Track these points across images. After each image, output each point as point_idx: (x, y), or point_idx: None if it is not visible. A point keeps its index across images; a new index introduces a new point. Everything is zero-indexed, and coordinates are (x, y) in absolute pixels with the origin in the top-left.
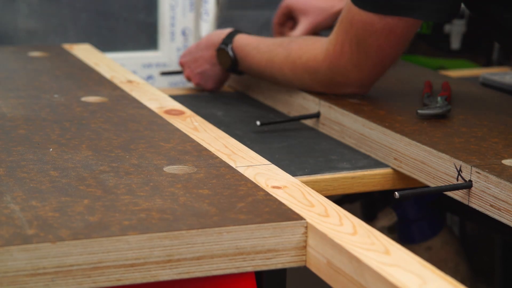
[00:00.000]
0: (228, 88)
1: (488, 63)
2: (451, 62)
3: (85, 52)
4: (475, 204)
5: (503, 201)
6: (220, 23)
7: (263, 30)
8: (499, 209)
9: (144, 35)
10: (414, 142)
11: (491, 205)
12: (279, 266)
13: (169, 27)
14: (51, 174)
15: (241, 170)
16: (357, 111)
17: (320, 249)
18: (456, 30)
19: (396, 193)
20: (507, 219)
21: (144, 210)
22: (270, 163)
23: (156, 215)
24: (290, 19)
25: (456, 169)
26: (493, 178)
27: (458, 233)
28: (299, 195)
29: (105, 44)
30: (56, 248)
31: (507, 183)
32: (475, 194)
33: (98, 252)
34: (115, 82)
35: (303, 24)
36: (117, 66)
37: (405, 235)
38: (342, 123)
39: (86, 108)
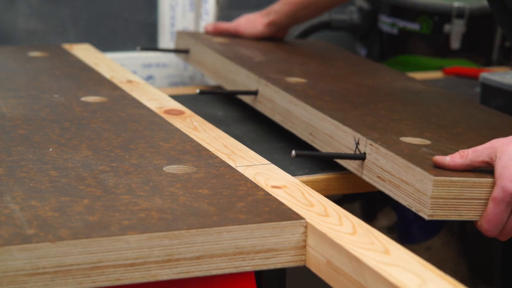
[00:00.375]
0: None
1: (488, 63)
2: (451, 62)
3: (85, 52)
4: (366, 176)
5: (387, 172)
6: None
7: None
8: (383, 180)
9: (144, 35)
10: (326, 117)
11: (378, 177)
12: (279, 266)
13: (169, 27)
14: (51, 174)
15: (240, 170)
16: (288, 89)
17: (320, 248)
18: (456, 30)
19: (293, 151)
20: (389, 190)
21: (143, 209)
22: (269, 162)
23: (155, 214)
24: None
25: (355, 141)
26: (382, 150)
27: (458, 233)
28: (299, 194)
29: (105, 44)
30: (55, 247)
31: (392, 154)
32: (367, 166)
33: (98, 251)
34: (115, 82)
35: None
36: (117, 66)
37: (405, 235)
38: (274, 100)
39: (86, 108)
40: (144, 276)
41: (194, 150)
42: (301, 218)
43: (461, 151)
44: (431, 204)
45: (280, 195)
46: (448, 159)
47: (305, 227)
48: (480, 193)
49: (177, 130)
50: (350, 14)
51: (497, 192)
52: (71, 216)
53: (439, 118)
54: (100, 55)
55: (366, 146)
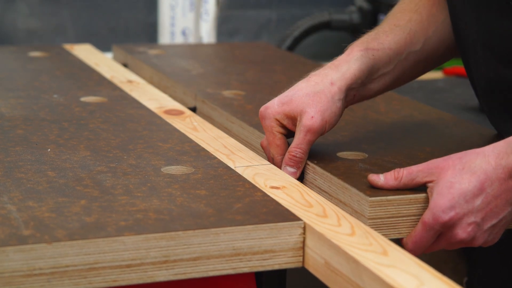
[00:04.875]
0: None
1: None
2: (451, 62)
3: (85, 52)
4: None
5: (325, 192)
6: (220, 23)
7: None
8: None
9: (144, 35)
10: (262, 135)
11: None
12: (276, 267)
13: (169, 27)
14: (49, 174)
15: (240, 170)
16: (225, 105)
17: (318, 249)
18: None
19: None
20: None
21: (141, 210)
22: (269, 163)
23: (153, 215)
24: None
25: None
26: (319, 169)
27: None
28: (298, 195)
29: (105, 44)
30: (52, 248)
31: (328, 174)
32: (306, 185)
33: (94, 252)
34: (115, 82)
35: (300, 129)
36: (117, 66)
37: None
38: (212, 117)
39: (85, 108)
40: (140, 277)
41: (193, 151)
42: (298, 219)
43: (396, 172)
44: (369, 225)
45: (279, 195)
46: (382, 181)
47: (303, 228)
48: (418, 209)
49: (175, 130)
50: (350, 14)
51: (427, 218)
52: (68, 217)
53: (377, 124)
54: (101, 55)
55: (305, 166)
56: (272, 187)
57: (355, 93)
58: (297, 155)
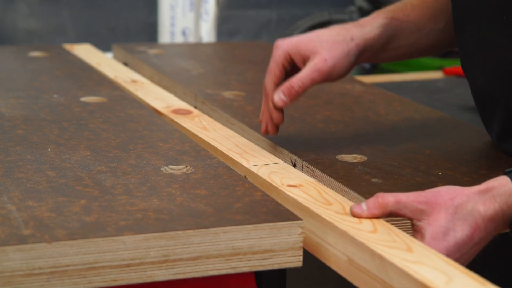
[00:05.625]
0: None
1: None
2: (451, 62)
3: (86, 52)
4: None
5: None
6: (220, 23)
7: (263, 30)
8: None
9: (144, 35)
10: (262, 138)
11: None
12: (276, 267)
13: (169, 27)
14: (49, 174)
15: (254, 169)
16: (225, 106)
17: (340, 246)
18: None
19: None
20: None
21: (140, 210)
22: (282, 161)
23: (152, 215)
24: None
25: (291, 163)
26: (318, 172)
27: None
28: (315, 193)
29: (105, 44)
30: (51, 248)
31: (328, 177)
32: None
33: (94, 252)
34: (119, 82)
35: (309, 66)
36: (119, 66)
37: None
38: (212, 118)
39: (85, 108)
40: (140, 277)
41: (193, 151)
42: (298, 218)
43: (380, 197)
44: None
45: (297, 194)
46: (365, 212)
47: (302, 227)
48: None
49: (176, 130)
50: (350, 14)
51: None
52: (68, 217)
53: (377, 126)
54: (102, 55)
55: (303, 168)
56: (289, 186)
57: (369, 55)
58: (295, 87)
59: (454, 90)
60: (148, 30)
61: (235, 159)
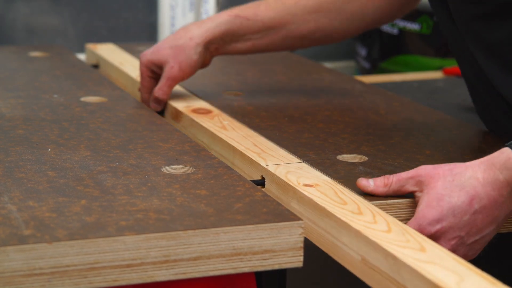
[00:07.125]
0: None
1: None
2: (451, 62)
3: (109, 52)
4: None
5: None
6: None
7: None
8: None
9: (144, 35)
10: (264, 138)
11: None
12: (276, 267)
13: (169, 27)
14: (49, 174)
15: (271, 168)
16: (225, 107)
17: (355, 246)
18: None
19: None
20: None
21: (141, 210)
22: (300, 161)
23: (153, 215)
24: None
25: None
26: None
27: None
28: (331, 193)
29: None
30: (52, 248)
31: (328, 178)
32: None
33: (95, 252)
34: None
35: (163, 76)
36: None
37: None
38: None
39: (85, 108)
40: (141, 277)
41: (193, 151)
42: (299, 219)
43: (386, 178)
44: None
45: (312, 193)
46: (371, 187)
47: (303, 227)
48: None
49: (176, 130)
50: None
51: (413, 226)
52: (68, 217)
53: (377, 126)
54: (125, 54)
55: None
56: (306, 185)
57: (218, 46)
58: (161, 97)
59: (454, 90)
60: (148, 30)
61: (253, 158)
